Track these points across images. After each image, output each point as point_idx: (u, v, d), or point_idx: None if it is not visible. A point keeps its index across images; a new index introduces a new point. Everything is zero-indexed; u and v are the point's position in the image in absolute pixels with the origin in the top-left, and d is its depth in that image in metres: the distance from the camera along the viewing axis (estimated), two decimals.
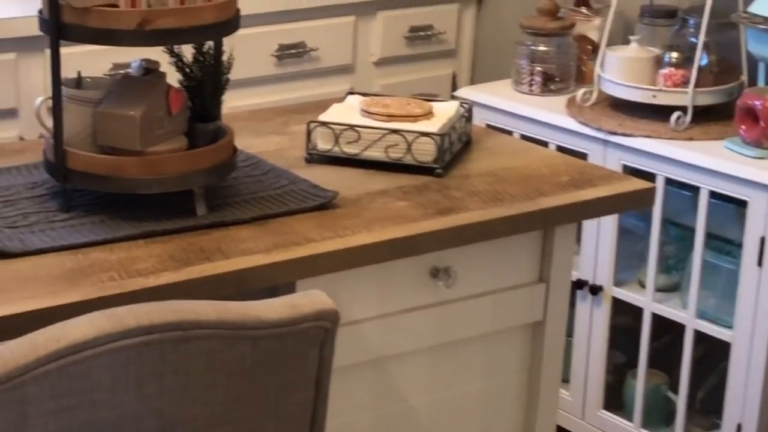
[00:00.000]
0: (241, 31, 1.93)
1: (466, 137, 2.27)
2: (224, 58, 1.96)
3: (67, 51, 1.84)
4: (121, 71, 2.98)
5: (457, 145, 2.21)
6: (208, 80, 1.95)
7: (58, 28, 1.81)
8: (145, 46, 1.83)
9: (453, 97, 3.25)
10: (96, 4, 1.79)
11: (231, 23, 1.88)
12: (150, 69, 1.95)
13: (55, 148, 1.87)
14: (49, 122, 1.90)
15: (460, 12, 3.76)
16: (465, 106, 2.28)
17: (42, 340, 1.34)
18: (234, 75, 2.00)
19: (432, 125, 2.13)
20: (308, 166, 2.13)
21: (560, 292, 2.15)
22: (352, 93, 2.35)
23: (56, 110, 1.86)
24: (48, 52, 2.91)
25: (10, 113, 3.02)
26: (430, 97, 2.33)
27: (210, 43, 1.94)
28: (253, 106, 2.90)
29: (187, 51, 1.95)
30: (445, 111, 2.21)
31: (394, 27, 3.61)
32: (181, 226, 1.85)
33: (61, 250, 1.77)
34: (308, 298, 1.50)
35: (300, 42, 3.43)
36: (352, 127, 2.12)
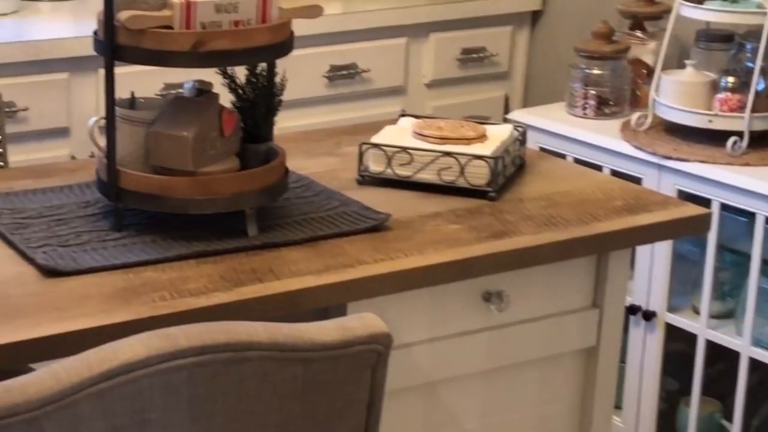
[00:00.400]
0: (292, 52, 1.94)
1: (520, 161, 2.27)
2: (277, 79, 1.97)
3: (119, 71, 1.86)
4: (173, 91, 3.01)
5: (511, 169, 2.21)
6: (260, 101, 1.96)
7: (113, 49, 1.83)
8: (200, 68, 1.85)
9: (506, 120, 3.25)
10: (150, 26, 1.81)
11: (285, 45, 1.90)
12: (203, 90, 1.96)
13: (108, 168, 1.89)
14: (102, 142, 1.92)
15: (514, 34, 3.76)
16: (519, 129, 2.28)
17: (95, 358, 1.35)
18: (285, 95, 2.01)
19: (485, 148, 2.13)
20: (360, 187, 2.14)
21: (614, 318, 2.14)
22: (404, 115, 2.35)
23: (109, 130, 1.87)
24: (101, 72, 2.96)
25: (62, 132, 3.05)
26: (483, 120, 2.33)
27: (263, 65, 1.96)
28: (304, 126, 2.92)
29: (240, 72, 1.96)
30: (498, 134, 2.21)
31: (447, 49, 3.62)
32: (232, 247, 1.86)
33: (113, 269, 1.78)
34: (361, 321, 1.50)
35: (351, 63, 3.45)
36: (404, 149, 2.13)
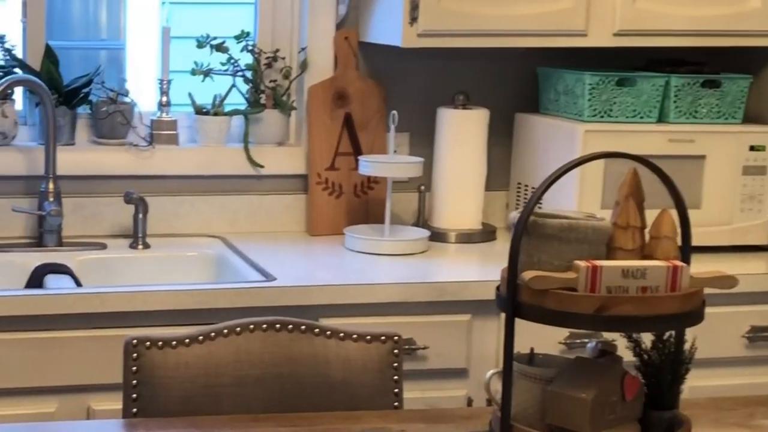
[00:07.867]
0: (708, 309, 1.98)
1: None
2: (686, 346, 2.01)
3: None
4: (575, 341, 3.09)
5: None
6: (666, 368, 2.01)
7: (515, 306, 1.94)
8: (602, 332, 1.92)
9: None
10: (554, 287, 1.91)
11: (695, 315, 1.95)
12: (606, 351, 2.03)
13: (502, 423, 1.97)
14: (498, 395, 2.00)
15: None
16: None
17: None
18: (698, 353, 2.04)
19: None
20: None
21: None
22: None
23: (506, 386, 1.96)
24: (502, 316, 3.08)
25: (461, 373, 3.17)
26: None
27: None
28: (716, 388, 2.91)
29: (646, 335, 2.02)
30: None
31: None
32: None
33: None
34: None
35: None
36: None
